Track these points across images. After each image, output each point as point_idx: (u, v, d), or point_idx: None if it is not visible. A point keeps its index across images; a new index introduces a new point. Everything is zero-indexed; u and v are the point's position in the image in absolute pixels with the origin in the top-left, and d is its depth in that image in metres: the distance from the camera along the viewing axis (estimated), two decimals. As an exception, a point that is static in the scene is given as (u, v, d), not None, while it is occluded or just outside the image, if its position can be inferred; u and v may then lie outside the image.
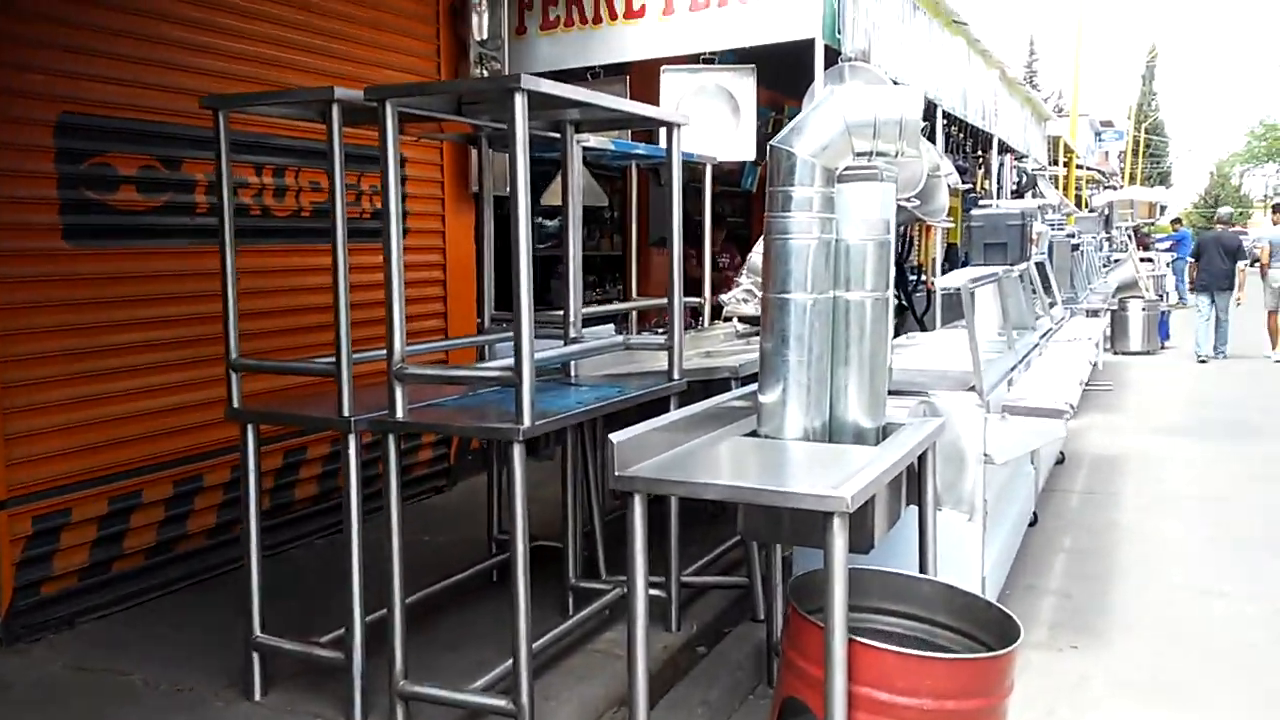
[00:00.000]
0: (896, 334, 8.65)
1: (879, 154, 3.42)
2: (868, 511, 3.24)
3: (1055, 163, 21.06)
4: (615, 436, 2.84)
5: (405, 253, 6.20)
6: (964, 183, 9.86)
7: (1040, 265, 7.76)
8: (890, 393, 4.14)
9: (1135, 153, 49.40)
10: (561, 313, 4.20)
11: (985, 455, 3.98)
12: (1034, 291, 6.99)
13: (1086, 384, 10.52)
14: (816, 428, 3.40)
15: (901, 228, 9.22)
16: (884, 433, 3.54)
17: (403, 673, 3.37)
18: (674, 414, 3.36)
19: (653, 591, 4.33)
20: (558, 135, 4.23)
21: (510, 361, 3.14)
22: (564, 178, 4.21)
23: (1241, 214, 48.11)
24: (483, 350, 4.75)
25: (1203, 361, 14.20)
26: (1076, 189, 25.13)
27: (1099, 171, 31.90)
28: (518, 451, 3.09)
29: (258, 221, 5.18)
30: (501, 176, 6.81)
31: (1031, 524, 5.95)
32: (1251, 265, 15.30)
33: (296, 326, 5.17)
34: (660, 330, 6.69)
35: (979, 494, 4.01)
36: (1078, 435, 8.81)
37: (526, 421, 3.09)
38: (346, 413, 3.31)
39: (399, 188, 3.19)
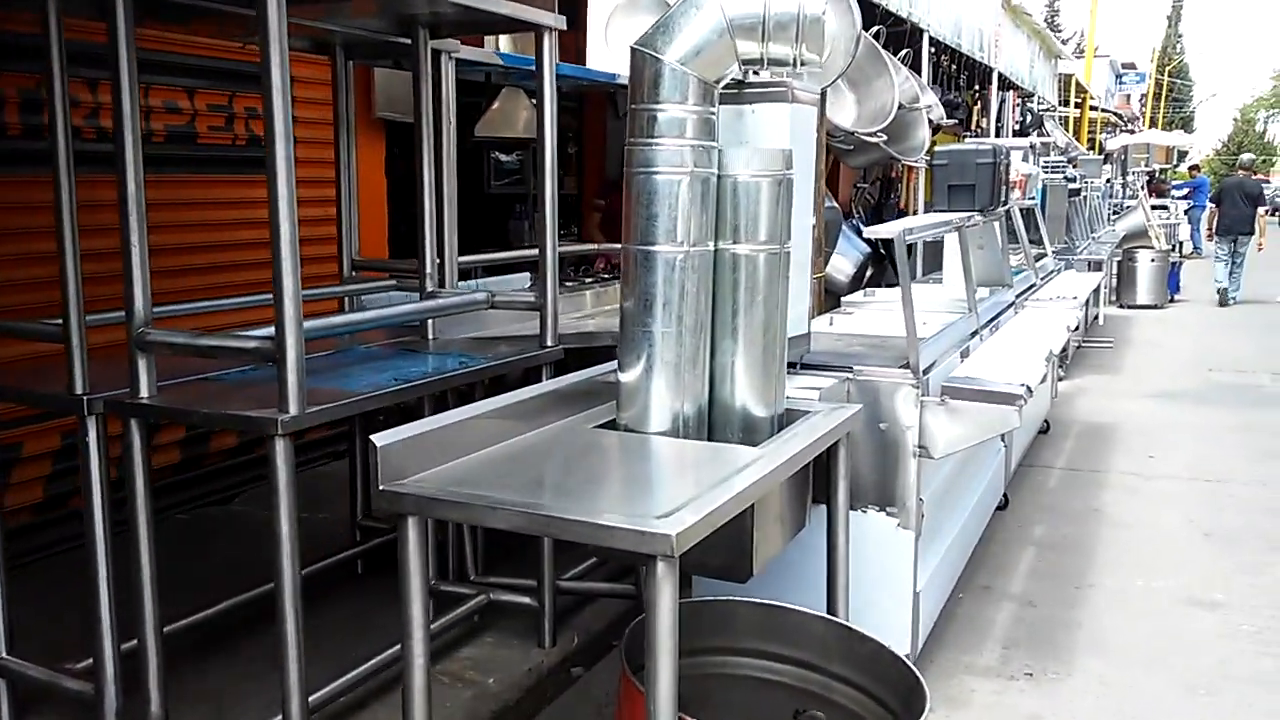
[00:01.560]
0: (873, 284, 7.91)
1: (773, 62, 2.63)
2: (742, 532, 2.52)
3: (1067, 103, 19.98)
4: (380, 438, 2.10)
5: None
6: (952, 118, 9.00)
7: (1028, 212, 6.95)
8: (810, 367, 3.42)
9: (1157, 96, 47.83)
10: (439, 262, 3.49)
11: (920, 449, 3.24)
12: (1016, 242, 6.19)
13: (1082, 341, 9.76)
14: (690, 415, 2.66)
15: (878, 168, 8.42)
16: (783, 421, 2.81)
17: (160, 715, 2.67)
18: (505, 397, 2.61)
19: (523, 599, 3.65)
20: (409, 40, 3.45)
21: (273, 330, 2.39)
22: (416, 91, 3.45)
23: (1265, 161, 46.63)
24: (343, 302, 4.02)
25: (1223, 305, 14.02)
26: (1090, 131, 24.04)
27: (1115, 114, 30.69)
28: (279, 449, 2.34)
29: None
30: (402, 99, 6.08)
31: (1001, 507, 5.22)
32: (1271, 214, 14.55)
33: (216, 263, 4.68)
34: (589, 279, 5.94)
35: (912, 494, 3.27)
36: (1068, 400, 8.03)
37: (292, 409, 2.36)
38: (79, 390, 2.57)
39: (136, 98, 2.41)
